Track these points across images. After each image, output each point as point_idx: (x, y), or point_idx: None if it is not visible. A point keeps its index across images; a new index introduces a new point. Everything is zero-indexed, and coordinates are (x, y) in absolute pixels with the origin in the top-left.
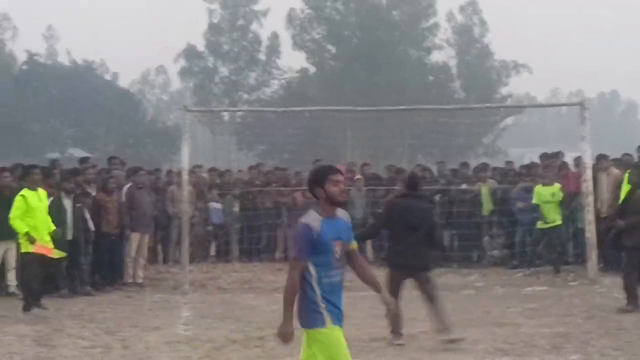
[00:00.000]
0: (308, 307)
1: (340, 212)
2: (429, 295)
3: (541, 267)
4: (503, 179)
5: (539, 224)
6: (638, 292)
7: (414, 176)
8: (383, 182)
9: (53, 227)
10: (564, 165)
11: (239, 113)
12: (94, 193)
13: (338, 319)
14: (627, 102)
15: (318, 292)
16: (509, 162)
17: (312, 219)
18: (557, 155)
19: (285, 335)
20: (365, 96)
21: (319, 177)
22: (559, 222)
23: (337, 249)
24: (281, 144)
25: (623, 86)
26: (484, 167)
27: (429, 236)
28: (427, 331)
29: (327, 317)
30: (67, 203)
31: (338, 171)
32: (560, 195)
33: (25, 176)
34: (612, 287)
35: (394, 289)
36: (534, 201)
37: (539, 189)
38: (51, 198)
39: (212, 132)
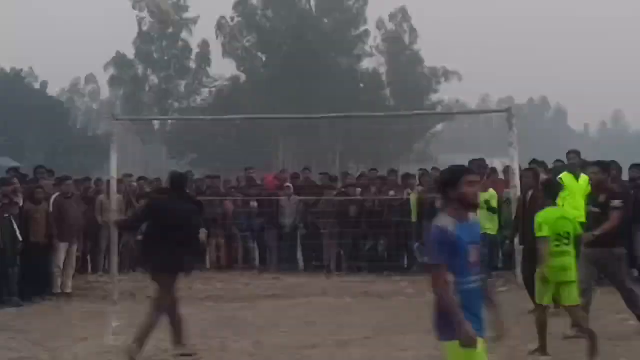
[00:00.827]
0: (444, 317)
1: (472, 215)
2: (159, 305)
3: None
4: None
5: None
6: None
7: (177, 175)
8: (316, 190)
9: None
10: (493, 171)
11: (170, 121)
12: (21, 203)
13: (477, 328)
14: (556, 109)
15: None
16: (435, 169)
17: (447, 222)
18: (482, 162)
19: (470, 339)
20: (296, 104)
21: (454, 178)
22: (491, 230)
23: (473, 253)
24: (213, 152)
25: (552, 92)
26: (411, 175)
27: (188, 239)
28: (356, 337)
29: (469, 323)
30: None
31: (473, 171)
32: (494, 202)
33: None
34: None
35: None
36: None
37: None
38: None
39: (142, 140)
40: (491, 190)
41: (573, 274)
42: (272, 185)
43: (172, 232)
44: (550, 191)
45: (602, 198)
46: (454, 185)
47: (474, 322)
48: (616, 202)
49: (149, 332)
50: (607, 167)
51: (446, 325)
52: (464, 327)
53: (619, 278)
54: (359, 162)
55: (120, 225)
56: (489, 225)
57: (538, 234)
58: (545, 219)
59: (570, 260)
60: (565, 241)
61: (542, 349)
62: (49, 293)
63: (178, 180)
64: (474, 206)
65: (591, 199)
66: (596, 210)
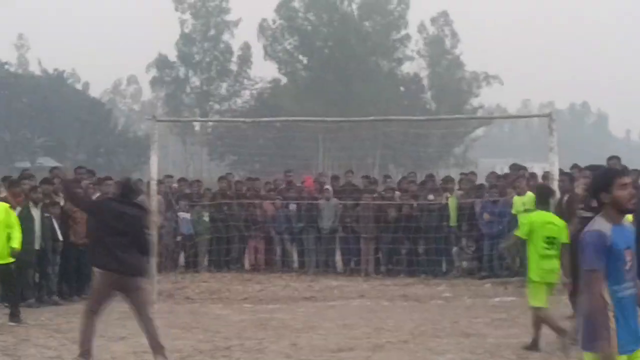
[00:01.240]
0: (590, 325)
1: (626, 219)
2: (139, 309)
3: (510, 277)
4: (470, 190)
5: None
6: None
7: (127, 184)
8: (355, 194)
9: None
10: (533, 176)
11: (211, 123)
12: (62, 203)
13: (631, 340)
14: (597, 114)
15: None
16: (472, 173)
17: (603, 226)
18: (521, 167)
19: (609, 358)
20: (337, 107)
21: (605, 181)
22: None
23: (628, 258)
24: (252, 155)
25: (594, 98)
26: (450, 178)
27: (137, 243)
28: (392, 341)
29: (613, 339)
30: (36, 212)
31: (625, 173)
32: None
33: None
34: None
35: (98, 297)
36: (513, 211)
37: (516, 199)
38: (19, 208)
39: (183, 142)
40: (529, 194)
41: (556, 277)
42: (311, 187)
43: (113, 234)
44: (542, 196)
45: (594, 204)
46: (606, 188)
47: (628, 333)
48: None
49: (87, 334)
50: None
51: (590, 334)
52: (606, 342)
53: None
54: (398, 165)
55: (67, 188)
56: None
57: (516, 233)
58: (531, 222)
59: (557, 264)
60: (551, 245)
61: (534, 344)
62: (88, 293)
63: (126, 186)
64: (627, 210)
65: (585, 205)
66: (588, 215)
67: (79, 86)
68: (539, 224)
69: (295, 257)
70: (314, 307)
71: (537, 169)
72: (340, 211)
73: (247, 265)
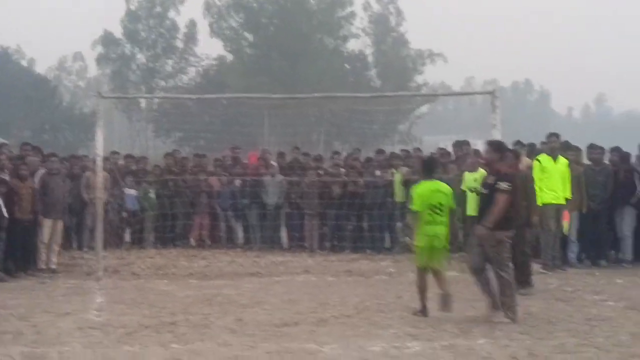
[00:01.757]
0: None
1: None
2: None
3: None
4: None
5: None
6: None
7: None
8: (297, 170)
9: None
10: (476, 153)
11: (157, 100)
12: (7, 179)
13: None
14: (540, 91)
15: None
16: (417, 149)
17: None
18: (465, 143)
19: None
20: (282, 84)
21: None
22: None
23: None
24: (198, 131)
25: (536, 75)
26: (397, 155)
27: None
28: (337, 315)
29: None
30: None
31: None
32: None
33: None
34: None
35: None
36: (463, 187)
37: (467, 175)
38: None
39: (129, 119)
40: (481, 170)
41: (442, 242)
42: (255, 163)
43: None
44: (427, 167)
45: (490, 179)
46: None
47: None
48: (503, 185)
49: None
50: (499, 147)
51: None
52: None
53: (495, 262)
54: (343, 142)
55: None
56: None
57: (411, 207)
58: (419, 193)
59: (442, 229)
60: (438, 212)
61: (423, 310)
62: (34, 269)
63: None
64: None
65: (482, 180)
66: (483, 191)
67: (24, 63)
68: (427, 193)
69: (240, 233)
70: (260, 282)
71: (480, 145)
72: (286, 187)
73: (192, 241)
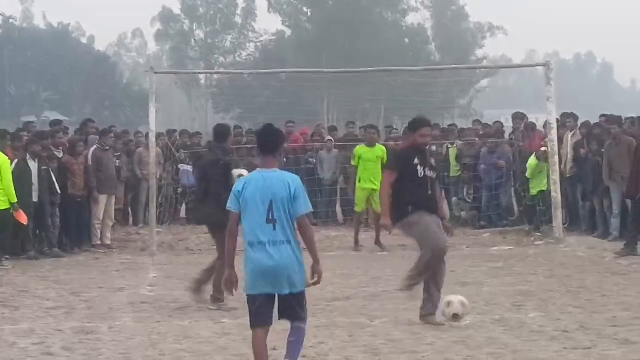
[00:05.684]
0: None
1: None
2: None
3: (508, 227)
4: (472, 141)
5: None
6: None
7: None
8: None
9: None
10: (531, 125)
11: (216, 76)
12: (61, 155)
13: None
14: (602, 64)
15: None
16: (476, 122)
17: None
18: (522, 116)
19: None
20: (341, 59)
21: None
22: (543, 187)
23: None
24: (258, 107)
25: (599, 47)
26: (450, 129)
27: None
28: (389, 290)
29: None
30: (33, 165)
31: None
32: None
33: None
34: (577, 246)
35: None
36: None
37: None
38: (16, 160)
39: (188, 96)
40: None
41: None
42: (298, 141)
43: None
44: None
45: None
46: None
47: None
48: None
49: None
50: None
51: None
52: None
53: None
54: (403, 117)
55: None
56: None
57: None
58: (358, 154)
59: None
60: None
61: (356, 244)
62: (88, 245)
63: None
64: None
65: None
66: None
67: (84, 40)
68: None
69: None
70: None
71: (542, 119)
72: (342, 162)
73: None
